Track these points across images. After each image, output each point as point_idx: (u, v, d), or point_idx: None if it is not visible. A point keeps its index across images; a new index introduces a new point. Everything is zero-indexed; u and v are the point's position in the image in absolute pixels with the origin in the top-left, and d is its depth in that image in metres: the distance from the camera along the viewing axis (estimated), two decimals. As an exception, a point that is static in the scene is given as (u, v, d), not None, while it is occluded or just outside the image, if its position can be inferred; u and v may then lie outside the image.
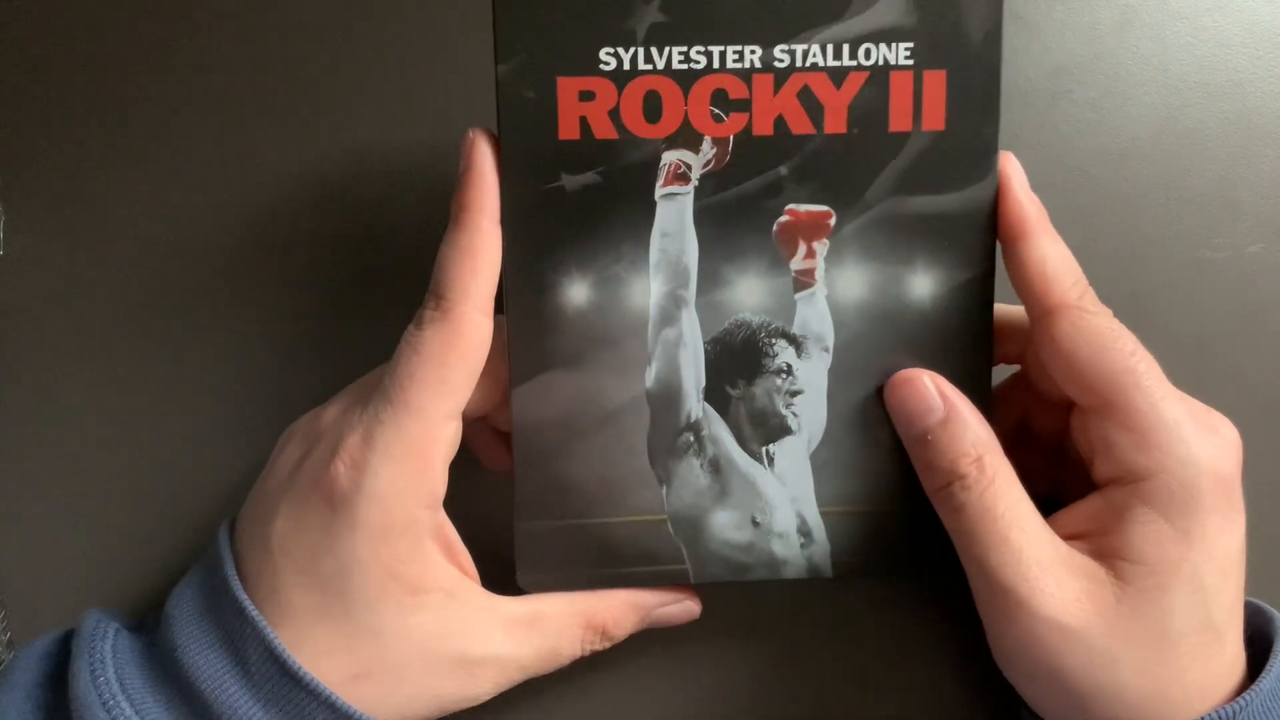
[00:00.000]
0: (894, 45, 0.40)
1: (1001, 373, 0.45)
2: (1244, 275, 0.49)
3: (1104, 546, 0.39)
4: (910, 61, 0.40)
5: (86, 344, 0.47)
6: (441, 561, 0.39)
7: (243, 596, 0.37)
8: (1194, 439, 0.38)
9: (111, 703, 0.36)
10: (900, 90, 0.40)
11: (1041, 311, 0.39)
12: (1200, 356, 0.49)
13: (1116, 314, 0.40)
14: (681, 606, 0.43)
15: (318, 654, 0.37)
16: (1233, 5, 0.50)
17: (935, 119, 0.40)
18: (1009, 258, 0.40)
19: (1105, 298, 0.40)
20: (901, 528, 0.42)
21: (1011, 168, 0.40)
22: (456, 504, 0.39)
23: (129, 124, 0.47)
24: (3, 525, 0.46)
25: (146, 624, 0.41)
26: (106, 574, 0.46)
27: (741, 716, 0.47)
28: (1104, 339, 0.39)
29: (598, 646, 0.41)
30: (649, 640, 0.43)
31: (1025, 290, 0.40)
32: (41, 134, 0.47)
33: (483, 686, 0.39)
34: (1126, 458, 0.38)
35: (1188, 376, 0.41)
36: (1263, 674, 0.38)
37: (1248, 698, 0.37)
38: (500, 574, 0.41)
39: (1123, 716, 0.38)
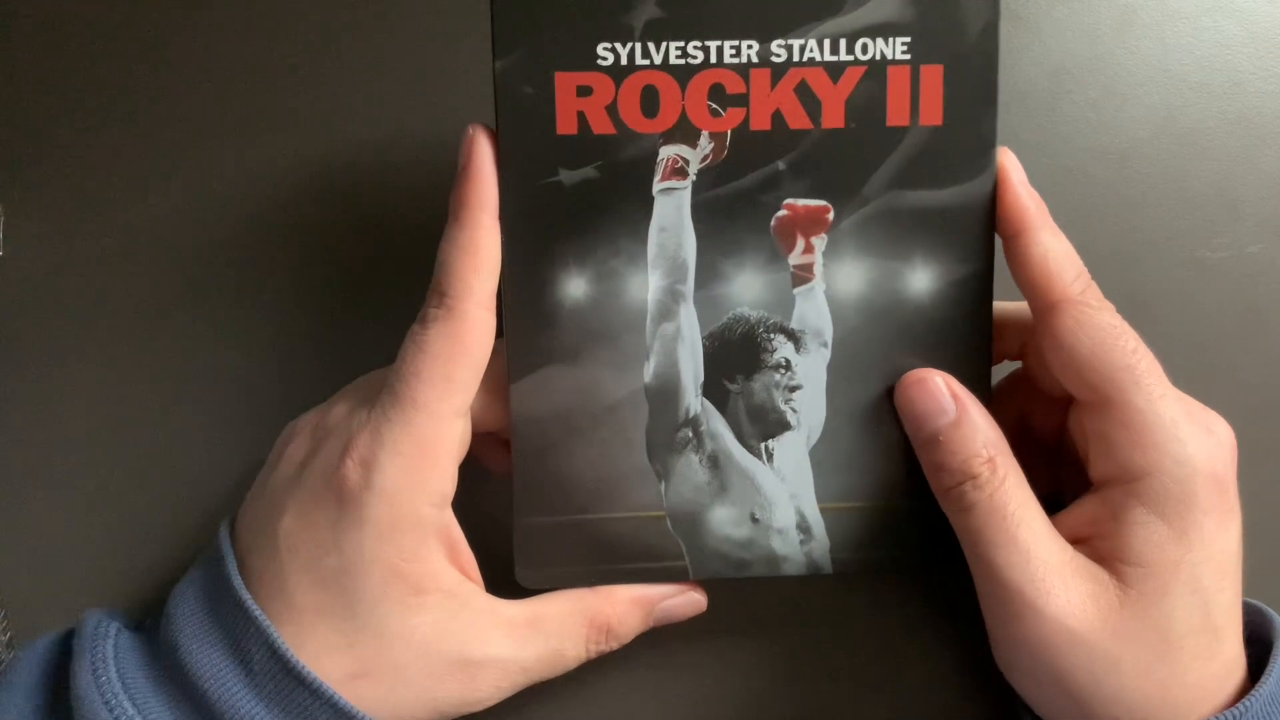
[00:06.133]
0: (891, 40, 0.40)
1: (1000, 371, 0.45)
2: (1244, 275, 0.49)
3: (1104, 550, 0.39)
4: (907, 56, 0.40)
5: (86, 344, 0.47)
6: (444, 562, 0.39)
7: (245, 595, 0.37)
8: (1190, 439, 0.38)
9: (114, 702, 0.36)
10: (897, 85, 0.40)
11: (1044, 306, 0.39)
12: (1200, 356, 0.49)
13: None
14: (687, 599, 0.43)
15: (319, 652, 0.37)
16: (1233, 5, 0.50)
17: (933, 114, 0.40)
18: (1010, 252, 0.40)
19: (1106, 297, 0.40)
20: (900, 523, 0.42)
21: (1010, 163, 0.40)
22: (464, 506, 0.40)
23: (129, 123, 0.47)
24: (3, 525, 0.46)
25: (146, 624, 0.41)
26: (106, 574, 0.46)
27: (741, 716, 0.47)
28: (1106, 335, 0.39)
29: (603, 647, 0.41)
30: (648, 637, 0.43)
31: (1027, 285, 0.40)
32: (41, 134, 0.47)
33: (483, 690, 0.39)
34: (1123, 456, 0.38)
35: (1188, 376, 0.41)
36: (1263, 678, 0.38)
37: (1247, 703, 0.37)
38: (508, 578, 0.41)
39: (1123, 717, 0.38)
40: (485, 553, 0.41)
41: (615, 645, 0.42)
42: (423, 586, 0.38)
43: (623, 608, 0.41)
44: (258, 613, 0.37)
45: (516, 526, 0.41)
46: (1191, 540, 0.38)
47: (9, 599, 0.46)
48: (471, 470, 0.40)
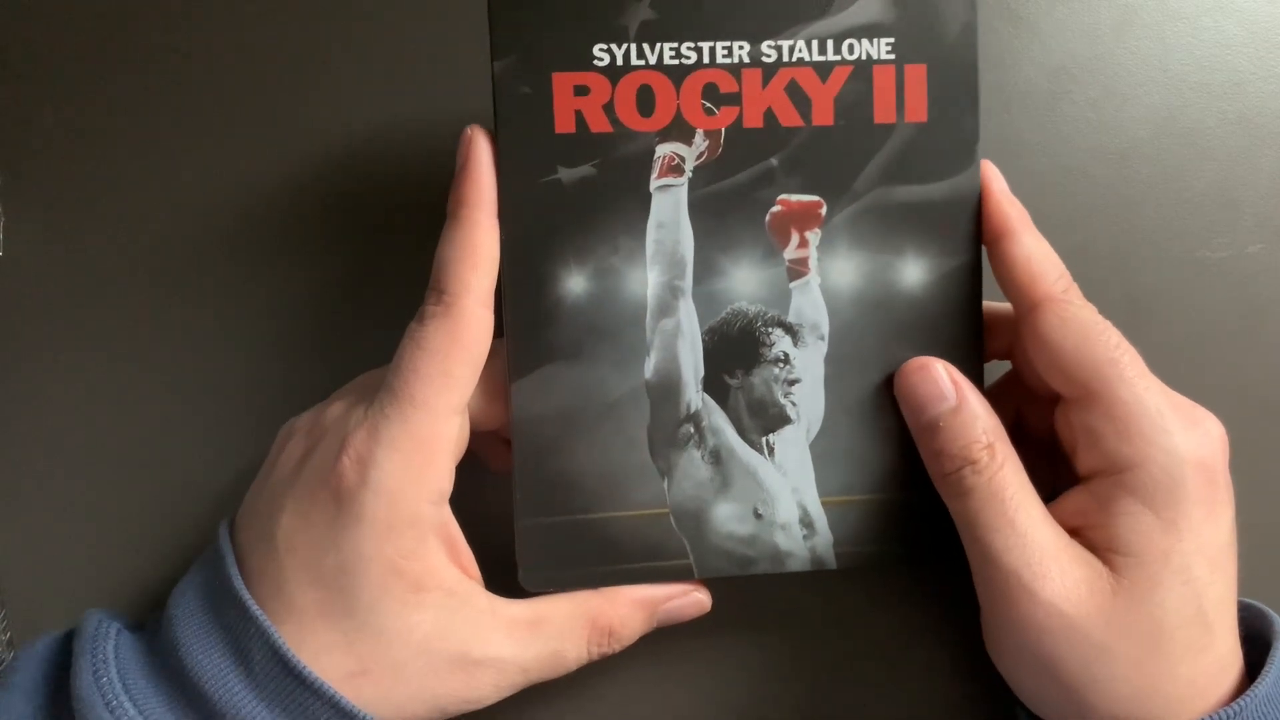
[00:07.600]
0: (875, 40, 0.41)
1: (995, 372, 0.45)
2: (1244, 275, 0.49)
3: (1095, 540, 0.39)
4: (891, 56, 0.41)
5: (86, 344, 0.47)
6: (444, 559, 0.39)
7: (245, 595, 0.37)
8: (1177, 429, 0.38)
9: (115, 703, 0.36)
10: (883, 84, 0.41)
11: (1028, 306, 0.40)
12: (1200, 356, 0.49)
13: (1115, 314, 0.40)
14: (690, 600, 0.42)
15: (319, 651, 0.37)
16: (1233, 5, 0.50)
17: (918, 111, 0.41)
18: (994, 256, 0.41)
19: (1104, 298, 0.40)
20: (902, 515, 0.42)
21: (990, 172, 0.41)
22: (462, 504, 0.40)
23: (128, 123, 0.47)
24: (3, 525, 0.46)
25: (148, 625, 0.41)
26: (106, 574, 0.46)
27: (743, 713, 0.47)
28: (1089, 330, 0.39)
29: (605, 649, 0.41)
30: (649, 634, 0.42)
31: (1011, 286, 0.41)
32: (41, 134, 0.47)
33: (483, 689, 0.39)
34: (1110, 447, 0.38)
35: (1188, 376, 0.41)
36: (1260, 678, 0.38)
37: (1242, 702, 0.37)
38: (506, 576, 0.41)
39: (1115, 710, 0.37)
40: (486, 552, 0.41)
41: (617, 647, 0.41)
42: (422, 584, 0.38)
43: (625, 609, 0.41)
44: (258, 613, 0.37)
45: (518, 529, 0.41)
46: (1181, 530, 0.38)
47: (9, 599, 0.46)
48: (471, 469, 0.40)
